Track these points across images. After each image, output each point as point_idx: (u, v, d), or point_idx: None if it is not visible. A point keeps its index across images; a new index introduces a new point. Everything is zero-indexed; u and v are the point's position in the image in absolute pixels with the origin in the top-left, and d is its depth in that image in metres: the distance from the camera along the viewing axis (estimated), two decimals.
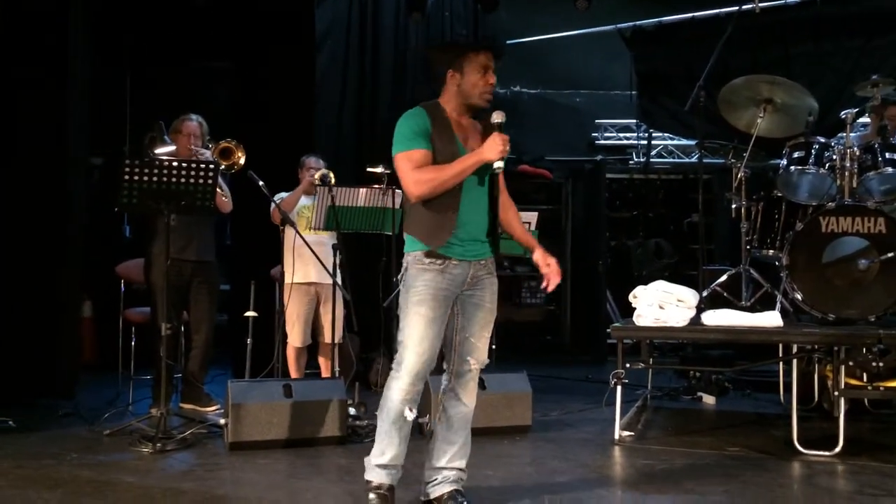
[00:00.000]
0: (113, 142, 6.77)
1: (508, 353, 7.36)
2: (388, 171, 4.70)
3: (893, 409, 4.75)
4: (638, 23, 7.20)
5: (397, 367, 2.92)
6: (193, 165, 4.11)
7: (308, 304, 4.99)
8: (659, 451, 4.07)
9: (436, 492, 3.08)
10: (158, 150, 4.64)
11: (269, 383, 4.15)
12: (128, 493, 3.29)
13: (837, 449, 3.88)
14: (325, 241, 4.86)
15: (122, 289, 5.36)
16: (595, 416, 4.92)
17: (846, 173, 4.39)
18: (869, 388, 4.06)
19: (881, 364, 3.93)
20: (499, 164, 2.88)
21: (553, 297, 8.41)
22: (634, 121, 8.10)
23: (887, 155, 4.38)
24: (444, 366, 3.08)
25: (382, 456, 2.98)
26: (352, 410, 4.53)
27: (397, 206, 4.70)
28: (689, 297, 4.24)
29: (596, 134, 8.46)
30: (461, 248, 2.92)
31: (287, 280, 4.93)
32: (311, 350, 5.16)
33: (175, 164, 4.11)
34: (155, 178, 4.04)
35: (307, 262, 4.82)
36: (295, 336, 4.97)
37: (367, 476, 3.01)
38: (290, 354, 5.00)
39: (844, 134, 4.54)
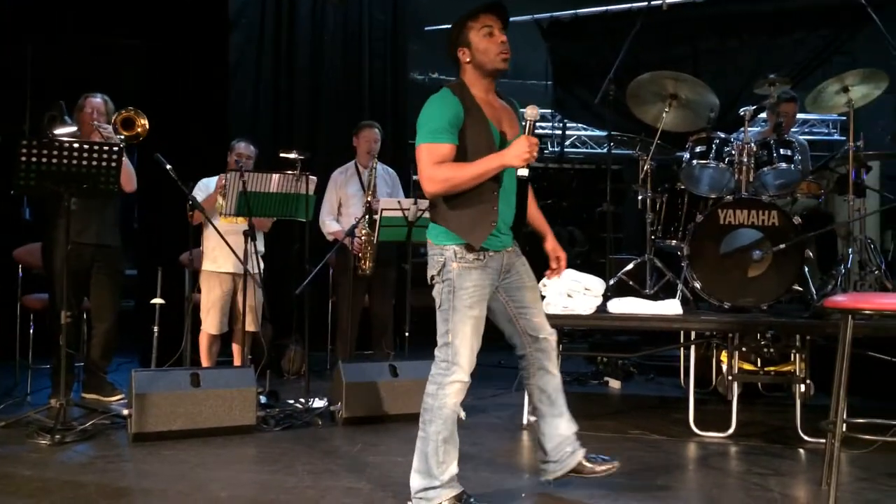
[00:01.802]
0: (12, 121, 6.45)
1: (424, 339, 7.40)
2: (301, 157, 4.65)
3: (785, 392, 5.03)
4: (554, 14, 7.31)
5: (449, 368, 2.81)
6: (96, 147, 3.97)
7: (225, 291, 4.89)
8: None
9: (573, 460, 3.03)
10: (58, 131, 4.44)
11: (175, 372, 4.06)
12: (24, 487, 3.18)
13: (730, 431, 4.08)
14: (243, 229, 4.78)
15: (20, 274, 5.14)
16: (506, 401, 5.02)
17: (743, 168, 4.60)
18: (760, 372, 4.27)
19: (772, 350, 4.15)
20: (522, 172, 2.74)
21: None
22: (550, 110, 8.23)
23: (782, 151, 4.60)
24: (519, 352, 3.05)
25: (445, 468, 2.80)
26: (262, 399, 4.50)
27: (311, 191, 4.67)
28: (596, 285, 4.37)
29: None
30: (497, 239, 2.87)
31: (205, 267, 4.84)
32: (225, 338, 5.07)
33: (76, 145, 3.95)
34: (55, 160, 3.88)
35: (227, 252, 4.72)
36: (210, 323, 4.88)
37: (432, 499, 2.80)
38: (202, 341, 4.90)
39: (743, 130, 4.75)
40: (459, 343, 2.81)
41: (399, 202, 4.80)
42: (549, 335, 3.04)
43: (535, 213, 3.14)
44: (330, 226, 5.30)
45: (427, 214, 4.71)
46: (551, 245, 3.08)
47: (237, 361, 4.96)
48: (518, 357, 3.09)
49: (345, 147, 5.63)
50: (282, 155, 4.73)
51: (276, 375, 5.17)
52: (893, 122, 4.74)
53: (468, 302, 2.80)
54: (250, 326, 4.77)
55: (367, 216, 5.06)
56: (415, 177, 5.16)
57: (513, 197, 2.90)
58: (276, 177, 4.60)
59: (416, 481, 2.84)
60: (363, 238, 5.09)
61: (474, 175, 2.73)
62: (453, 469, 2.83)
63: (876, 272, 4.57)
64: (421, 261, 9.52)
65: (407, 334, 5.05)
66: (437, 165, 2.73)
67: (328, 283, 5.62)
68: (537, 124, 2.80)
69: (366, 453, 3.76)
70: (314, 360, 5.26)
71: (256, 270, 4.62)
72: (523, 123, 2.79)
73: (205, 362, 4.86)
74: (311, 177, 4.66)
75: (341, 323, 5.27)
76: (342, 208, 5.34)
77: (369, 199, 5.16)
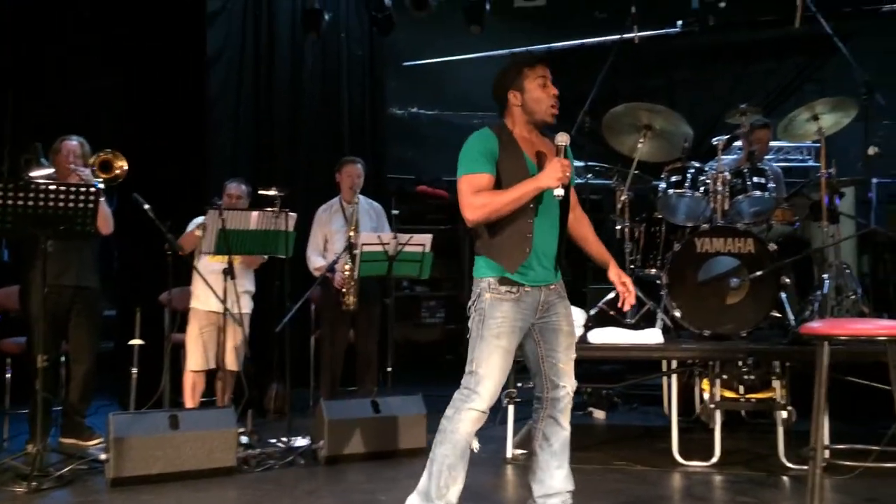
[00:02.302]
0: None
1: (408, 373, 7.38)
2: (281, 194, 4.66)
3: (768, 419, 5.03)
4: (530, 48, 7.39)
5: (469, 396, 2.83)
6: (73, 189, 3.96)
7: (209, 327, 4.85)
8: None
9: None
10: (34, 173, 4.43)
11: (154, 414, 4.02)
12: None
13: (714, 459, 4.08)
14: (240, 271, 4.77)
15: None
16: (490, 434, 4.95)
17: (718, 196, 4.66)
18: (742, 399, 4.28)
19: (753, 377, 4.17)
20: (558, 192, 2.79)
21: (452, 317, 8.49)
22: None
23: (755, 179, 4.67)
24: (537, 393, 3.04)
25: (446, 492, 2.82)
26: (244, 439, 4.44)
27: (290, 228, 4.67)
28: (577, 315, 4.37)
29: None
30: (533, 273, 2.90)
31: (192, 304, 4.82)
32: (210, 378, 5.02)
33: (52, 187, 3.94)
34: (31, 202, 3.86)
35: (213, 290, 4.69)
36: (193, 360, 4.82)
37: None
38: (186, 381, 4.84)
39: (718, 159, 4.81)
40: (483, 372, 2.82)
41: (379, 236, 4.80)
42: (569, 386, 3.01)
43: (595, 245, 3.16)
44: (315, 262, 5.28)
45: (408, 248, 4.76)
46: (615, 272, 3.06)
47: (220, 403, 4.91)
48: (535, 397, 3.07)
49: (325, 182, 5.64)
50: (261, 192, 4.74)
51: (258, 415, 5.11)
52: (863, 149, 4.82)
53: (496, 331, 2.83)
54: (231, 366, 4.72)
55: (348, 251, 5.06)
56: (395, 211, 5.17)
57: (552, 229, 2.94)
58: (255, 214, 4.60)
59: (412, 501, 2.88)
60: (346, 273, 5.08)
61: (512, 199, 2.80)
62: (452, 497, 2.84)
63: (853, 297, 4.62)
64: (403, 294, 9.55)
65: (389, 370, 5.03)
66: (475, 194, 2.82)
67: (310, 319, 5.59)
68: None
69: (350, 492, 3.73)
70: (297, 397, 5.21)
71: (237, 310, 4.58)
72: (556, 146, 2.86)
73: (188, 402, 4.80)
74: (290, 213, 4.67)
75: (324, 359, 5.24)
76: (328, 244, 5.34)
77: (351, 234, 5.17)
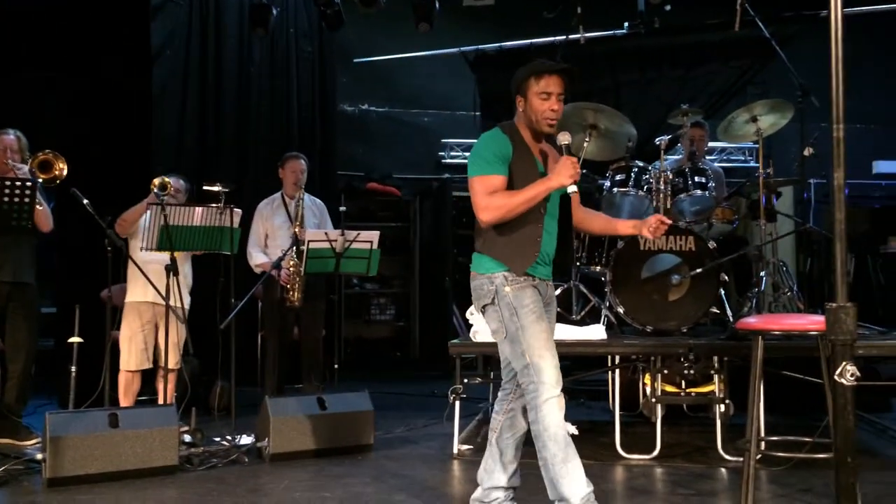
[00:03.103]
0: None
1: (357, 370, 7.37)
2: (226, 190, 4.60)
3: (708, 413, 5.15)
4: (480, 47, 7.43)
5: (537, 389, 2.78)
6: (8, 183, 3.87)
7: (145, 324, 4.77)
8: None
9: None
10: None
11: (92, 413, 3.93)
12: None
13: (655, 452, 4.17)
14: (167, 259, 4.69)
15: None
16: (437, 431, 5.01)
17: (661, 195, 4.75)
18: (682, 394, 4.38)
19: (693, 371, 4.27)
20: (572, 189, 2.82)
21: (402, 314, 8.49)
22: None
23: (696, 178, 4.78)
24: (506, 384, 3.05)
25: (574, 488, 2.78)
26: (187, 437, 4.38)
27: (236, 224, 4.62)
28: None
29: (442, 153, 8.64)
30: (542, 268, 2.95)
31: (127, 299, 4.72)
32: (148, 377, 4.93)
33: None
34: None
35: (148, 282, 4.61)
36: (127, 359, 4.73)
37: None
38: (120, 380, 4.75)
39: (661, 159, 4.91)
40: (538, 359, 2.80)
41: (326, 233, 4.79)
42: None
43: (618, 224, 3.19)
44: (257, 258, 5.24)
45: (356, 245, 4.75)
46: (631, 223, 3.09)
47: (161, 401, 4.83)
48: (501, 389, 3.07)
49: (273, 179, 5.59)
50: (206, 187, 4.67)
51: (202, 413, 5.04)
52: (800, 151, 4.97)
53: (533, 317, 2.85)
54: (172, 364, 4.65)
55: (294, 247, 5.03)
56: (342, 208, 5.14)
57: (554, 230, 2.98)
58: (199, 210, 4.54)
59: None
60: (291, 269, 5.05)
61: (526, 199, 2.81)
62: (583, 486, 2.78)
63: (788, 294, 4.76)
64: (352, 291, 9.51)
65: (337, 366, 5.02)
66: (490, 195, 2.83)
67: (256, 316, 5.53)
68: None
69: (293, 489, 3.70)
70: (242, 395, 5.15)
71: (179, 305, 4.51)
72: (560, 145, 2.89)
73: (123, 402, 4.70)
74: (235, 209, 4.62)
75: (268, 357, 5.19)
76: (269, 240, 5.29)
77: (297, 230, 5.13)
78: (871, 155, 8.56)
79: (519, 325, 2.83)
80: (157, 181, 4.48)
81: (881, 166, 8.52)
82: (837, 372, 2.22)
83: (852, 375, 2.22)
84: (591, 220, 3.20)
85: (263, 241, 5.30)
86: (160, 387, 4.89)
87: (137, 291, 4.73)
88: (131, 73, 6.18)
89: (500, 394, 3.09)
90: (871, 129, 8.63)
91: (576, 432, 2.84)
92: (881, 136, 8.69)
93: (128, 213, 4.74)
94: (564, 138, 2.88)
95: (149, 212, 4.45)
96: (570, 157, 2.83)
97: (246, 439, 4.43)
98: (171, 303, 4.47)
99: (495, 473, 3.07)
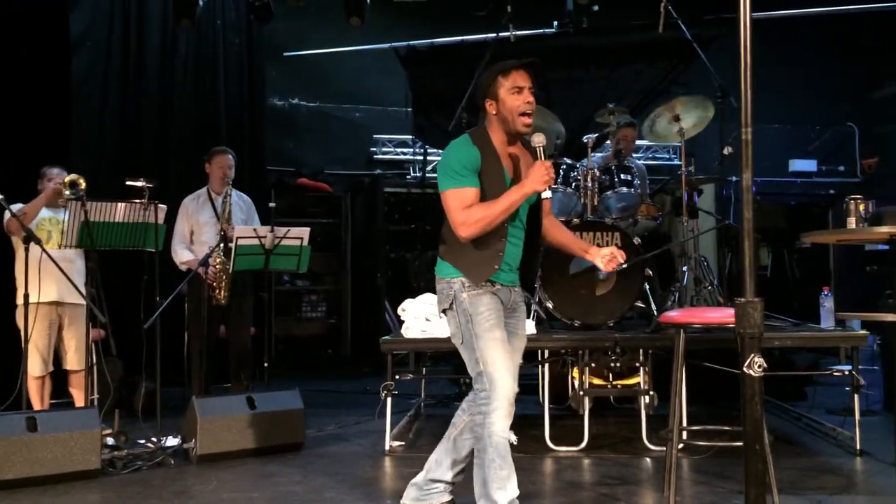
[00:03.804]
0: None
1: (289, 368, 7.28)
2: (149, 185, 4.48)
3: (634, 405, 5.28)
4: (411, 42, 7.43)
5: (489, 397, 2.78)
6: None
7: (48, 327, 4.60)
8: (426, 459, 4.18)
9: (435, 500, 3.09)
10: None
11: (9, 417, 3.78)
12: None
13: (583, 444, 4.26)
14: (70, 257, 4.53)
15: None
16: (369, 427, 5.00)
17: (588, 192, 4.85)
18: (609, 386, 4.48)
19: (619, 364, 4.37)
20: (547, 194, 2.80)
21: (334, 311, 8.44)
22: (410, 136, 8.36)
23: (622, 176, 4.89)
24: (474, 389, 2.97)
25: (504, 493, 2.80)
26: (110, 440, 4.25)
27: (160, 220, 4.50)
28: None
29: (374, 149, 8.62)
30: (505, 274, 2.90)
31: (32, 300, 4.53)
32: (61, 377, 4.76)
33: None
34: None
35: (48, 280, 4.43)
36: (34, 365, 4.54)
37: None
38: (30, 386, 4.53)
39: (589, 156, 5.01)
40: (492, 368, 2.79)
41: (255, 230, 4.72)
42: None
43: (574, 244, 3.15)
44: (182, 255, 5.12)
45: (285, 242, 4.70)
46: (587, 249, 3.05)
47: (78, 403, 4.67)
48: (470, 393, 3.04)
49: (200, 174, 5.46)
50: (128, 183, 4.53)
51: (126, 415, 4.90)
52: (721, 150, 5.14)
53: (487, 325, 2.83)
54: (75, 365, 4.51)
55: (221, 244, 4.93)
56: (272, 204, 5.07)
57: (520, 241, 2.95)
58: (121, 206, 4.40)
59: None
60: (218, 267, 4.95)
61: (504, 209, 2.78)
62: (512, 494, 2.83)
63: (709, 288, 4.92)
64: (283, 288, 9.38)
65: (267, 365, 4.95)
66: (467, 210, 2.78)
67: (182, 314, 5.40)
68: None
69: (221, 490, 3.64)
70: (168, 396, 5.03)
71: (84, 303, 4.37)
72: (533, 148, 2.83)
73: (37, 407, 4.51)
74: (160, 205, 4.50)
75: (194, 356, 5.08)
76: (194, 236, 5.18)
77: (224, 226, 5.04)
78: (788, 154, 8.95)
79: (473, 332, 2.84)
80: (67, 179, 4.32)
81: (797, 165, 8.90)
82: (746, 364, 2.32)
83: (760, 367, 2.31)
84: (553, 233, 3.14)
85: (189, 237, 5.18)
86: (74, 392, 4.75)
87: (39, 291, 4.53)
88: (49, 63, 5.94)
89: (470, 394, 3.06)
90: (788, 129, 9.01)
91: (515, 442, 2.86)
92: (799, 136, 9.08)
93: (29, 206, 4.54)
94: (539, 140, 2.82)
95: (69, 208, 4.29)
96: (545, 161, 2.78)
97: (172, 441, 4.33)
98: (71, 301, 4.36)
99: (443, 467, 3.10)
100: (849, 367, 4.23)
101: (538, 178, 2.75)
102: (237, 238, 4.63)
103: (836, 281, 8.54)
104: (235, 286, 5.02)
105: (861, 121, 9.05)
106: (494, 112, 2.87)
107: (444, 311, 2.95)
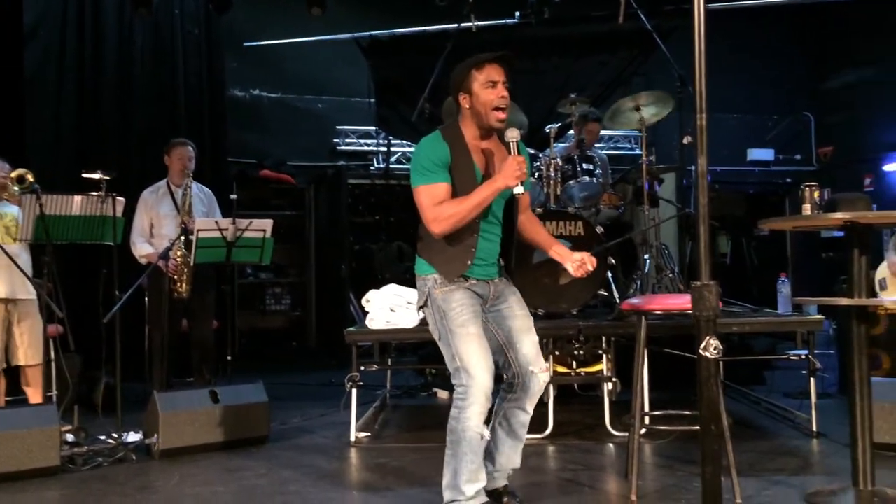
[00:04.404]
0: None
1: (253, 361, 7.23)
2: (107, 177, 4.39)
3: (598, 392, 5.35)
4: (373, 33, 7.39)
5: (465, 392, 2.77)
6: None
7: (2, 323, 4.51)
8: (392, 449, 4.22)
9: (490, 485, 3.03)
10: None
11: None
12: None
13: (548, 431, 4.30)
14: (16, 252, 4.43)
15: None
16: (335, 419, 4.99)
17: (551, 182, 4.87)
18: (573, 374, 4.53)
19: (583, 352, 4.42)
20: (518, 189, 2.77)
21: (298, 303, 8.38)
22: (374, 127, 8.32)
23: (584, 165, 4.92)
24: (507, 380, 2.99)
25: (472, 485, 2.82)
26: (69, 437, 4.18)
27: (119, 213, 4.42)
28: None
29: (337, 140, 8.56)
30: (480, 269, 2.89)
31: None
32: (16, 375, 4.66)
33: None
34: None
35: None
36: None
37: None
38: None
39: (551, 146, 5.03)
40: (468, 364, 2.78)
41: (217, 222, 4.66)
42: (539, 370, 2.98)
43: (547, 242, 3.12)
44: (141, 248, 5.04)
45: (248, 234, 4.65)
46: (560, 252, 3.03)
47: (32, 400, 4.58)
48: (504, 384, 3.03)
49: (159, 166, 5.38)
50: (84, 175, 4.43)
51: (86, 411, 4.83)
52: (680, 139, 5.22)
53: (460, 321, 2.83)
54: (30, 360, 4.44)
55: (182, 237, 4.87)
56: (233, 196, 5.01)
57: (495, 236, 2.94)
58: (77, 198, 4.32)
59: (445, 495, 2.89)
60: (179, 260, 4.89)
61: (476, 205, 2.77)
62: (480, 484, 2.86)
63: (670, 275, 4.99)
64: (247, 281, 9.29)
65: (230, 358, 4.90)
66: (438, 206, 2.79)
67: (142, 308, 5.33)
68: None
69: (184, 485, 3.61)
70: (129, 391, 4.96)
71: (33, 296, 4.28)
72: (506, 142, 2.82)
73: None
74: (118, 198, 4.41)
75: (155, 350, 5.01)
76: (154, 229, 5.10)
77: (185, 219, 4.97)
78: (746, 143, 9.10)
79: (447, 328, 2.84)
80: (14, 174, 4.22)
81: (755, 154, 9.06)
82: (702, 346, 2.36)
83: (716, 349, 2.36)
84: (529, 229, 3.12)
85: (148, 230, 5.11)
86: (28, 390, 4.65)
87: None
88: (2, 53, 5.80)
89: (503, 385, 3.04)
90: (747, 119, 9.16)
91: (488, 437, 2.88)
92: (757, 126, 9.24)
93: None
94: (513, 135, 2.80)
95: (22, 202, 4.19)
96: (518, 156, 2.77)
97: (134, 436, 4.28)
98: (22, 297, 4.29)
99: (497, 459, 3.07)
100: (805, 352, 4.32)
101: (510, 174, 2.75)
102: (198, 230, 4.57)
103: (792, 267, 8.73)
104: (198, 280, 4.96)
105: (816, 110, 9.25)
106: (468, 106, 2.85)
107: (420, 308, 2.97)
